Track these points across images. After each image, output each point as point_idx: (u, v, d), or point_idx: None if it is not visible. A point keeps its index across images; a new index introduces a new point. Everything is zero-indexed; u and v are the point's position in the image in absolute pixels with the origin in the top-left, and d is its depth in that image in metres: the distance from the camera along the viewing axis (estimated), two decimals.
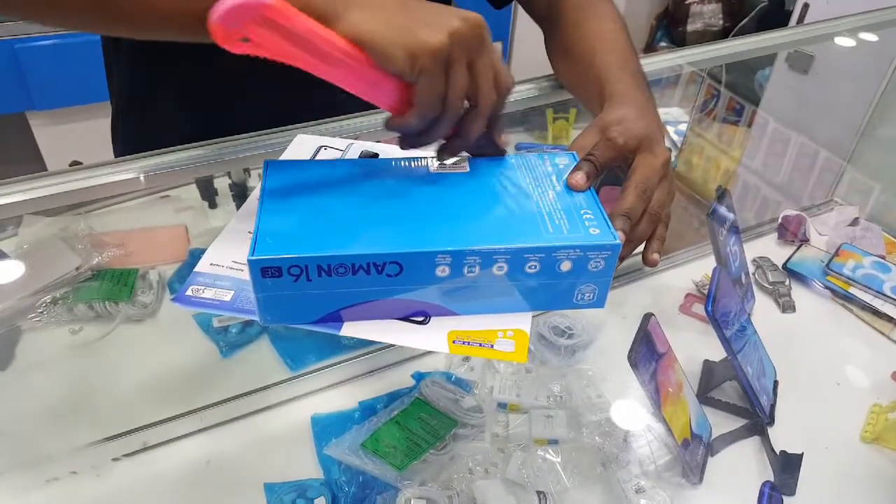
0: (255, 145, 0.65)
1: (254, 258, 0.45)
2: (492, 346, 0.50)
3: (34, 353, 0.77)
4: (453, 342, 0.50)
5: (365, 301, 0.49)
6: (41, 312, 0.78)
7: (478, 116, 0.50)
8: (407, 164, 0.55)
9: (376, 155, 0.60)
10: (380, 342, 0.50)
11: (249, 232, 0.49)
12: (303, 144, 0.62)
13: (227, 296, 0.50)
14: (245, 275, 0.50)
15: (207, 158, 0.63)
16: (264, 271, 0.45)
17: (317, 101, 0.62)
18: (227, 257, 0.52)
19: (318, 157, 0.61)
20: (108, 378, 0.77)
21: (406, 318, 0.50)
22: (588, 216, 0.51)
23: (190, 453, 0.70)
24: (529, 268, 0.49)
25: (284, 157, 0.61)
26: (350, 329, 0.50)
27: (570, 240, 0.49)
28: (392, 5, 0.45)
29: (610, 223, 0.50)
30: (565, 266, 0.49)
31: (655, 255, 0.57)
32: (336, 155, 0.61)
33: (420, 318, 0.51)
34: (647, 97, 0.63)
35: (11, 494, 0.66)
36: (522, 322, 0.51)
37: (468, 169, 0.55)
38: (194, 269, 0.51)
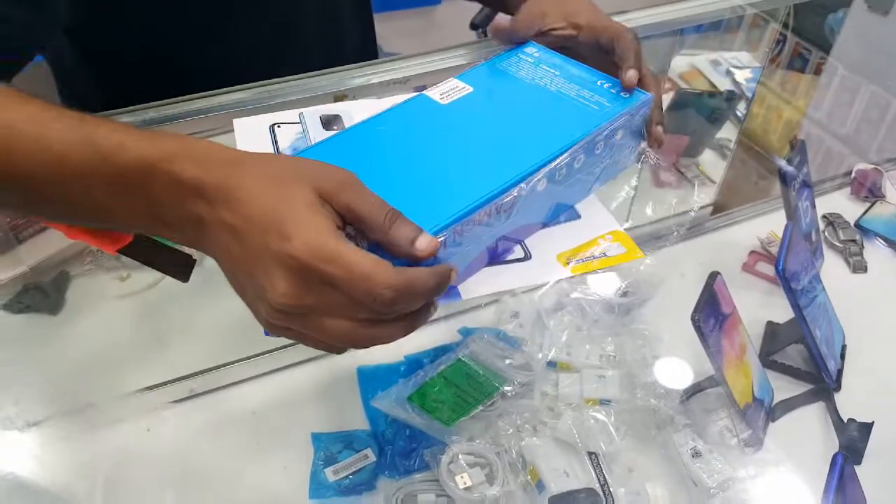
0: (292, 89, 0.62)
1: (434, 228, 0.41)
2: (605, 254, 0.50)
3: (83, 298, 0.78)
4: (569, 264, 0.49)
5: (481, 251, 0.47)
6: (90, 260, 0.78)
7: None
8: (410, 106, 0.52)
9: (338, 116, 0.57)
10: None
11: None
12: (252, 128, 0.57)
13: None
14: None
15: (247, 103, 0.61)
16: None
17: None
18: None
19: (276, 134, 0.56)
20: (155, 326, 0.77)
21: (509, 262, 0.49)
22: (606, 85, 0.55)
23: (237, 402, 0.70)
24: (597, 148, 0.51)
25: (242, 144, 0.55)
26: (468, 291, 0.48)
27: (621, 108, 0.52)
28: (227, 254, 0.38)
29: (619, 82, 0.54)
30: (620, 135, 0.52)
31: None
32: (293, 128, 0.56)
33: (521, 256, 0.50)
34: None
35: (58, 441, 0.67)
36: (609, 224, 0.52)
37: (472, 88, 0.54)
38: None
